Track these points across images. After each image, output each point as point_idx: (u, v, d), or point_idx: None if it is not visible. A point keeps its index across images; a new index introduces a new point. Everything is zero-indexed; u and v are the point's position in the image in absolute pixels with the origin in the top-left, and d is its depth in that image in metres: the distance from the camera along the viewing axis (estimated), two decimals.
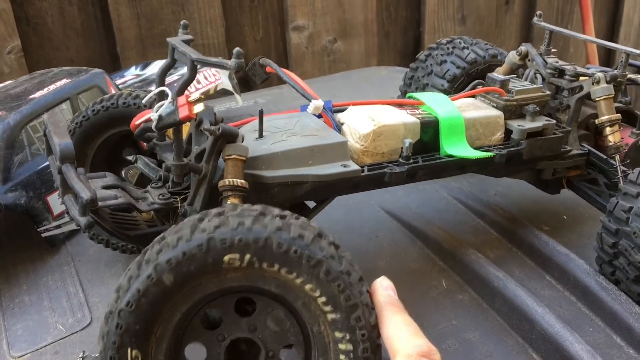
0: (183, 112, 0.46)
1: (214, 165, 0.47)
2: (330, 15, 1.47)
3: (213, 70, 0.88)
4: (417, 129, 0.54)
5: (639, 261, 0.51)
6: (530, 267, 0.61)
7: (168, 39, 0.50)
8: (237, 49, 0.44)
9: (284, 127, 0.52)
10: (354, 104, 0.57)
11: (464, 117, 0.55)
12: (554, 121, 0.59)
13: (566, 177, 0.63)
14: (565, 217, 0.68)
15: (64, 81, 0.72)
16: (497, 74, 0.66)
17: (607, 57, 1.96)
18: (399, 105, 0.57)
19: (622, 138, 0.59)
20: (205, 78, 0.87)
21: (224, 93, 0.96)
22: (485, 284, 0.57)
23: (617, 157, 0.58)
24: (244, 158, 0.46)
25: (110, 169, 0.60)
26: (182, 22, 0.54)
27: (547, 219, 0.68)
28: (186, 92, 0.47)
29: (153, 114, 0.47)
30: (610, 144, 0.59)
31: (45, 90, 0.70)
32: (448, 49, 0.73)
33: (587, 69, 0.64)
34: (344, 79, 1.24)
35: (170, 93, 0.48)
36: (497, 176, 0.60)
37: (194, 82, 0.85)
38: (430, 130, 0.55)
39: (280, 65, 1.59)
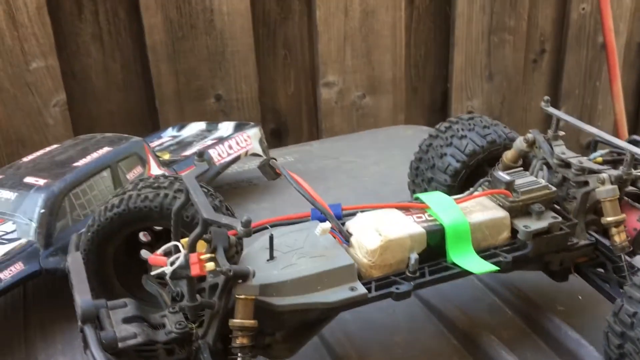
0: (194, 270, 0.48)
1: (226, 302, 0.49)
2: (360, 72, 1.52)
3: (245, 135, 0.93)
4: (423, 239, 0.57)
5: None
6: (543, 351, 0.63)
7: (183, 178, 0.52)
8: (246, 217, 0.47)
9: (294, 246, 0.55)
10: (362, 208, 0.59)
11: (469, 222, 0.58)
12: (560, 218, 0.61)
13: (575, 263, 0.64)
14: (580, 297, 0.70)
15: (105, 149, 0.77)
16: (506, 160, 0.69)
17: (636, 117, 1.97)
18: (406, 210, 0.60)
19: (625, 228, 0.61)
20: (238, 144, 0.91)
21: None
22: None
23: (623, 256, 0.60)
24: (252, 297, 0.48)
25: (131, 254, 0.63)
26: (197, 151, 0.57)
27: (563, 298, 0.70)
28: (197, 250, 0.49)
29: (167, 268, 0.50)
30: (616, 244, 0.61)
31: (88, 159, 0.75)
32: (447, 139, 0.76)
33: (599, 157, 0.66)
34: (371, 137, 1.27)
35: (182, 251, 0.50)
36: (508, 272, 0.62)
37: (227, 147, 0.90)
38: (437, 236, 0.58)
39: (310, 119, 1.64)
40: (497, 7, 1.60)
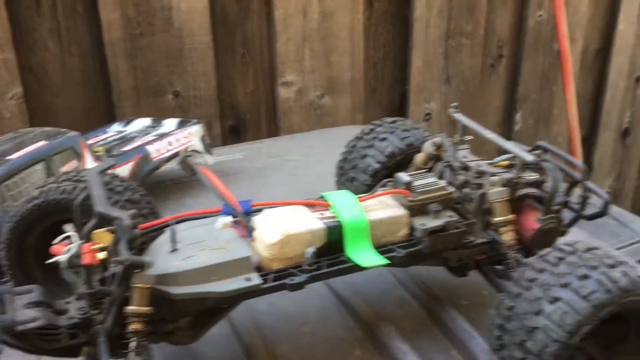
0: (85, 259, 0.52)
1: (124, 290, 0.53)
2: (319, 72, 1.56)
3: (186, 132, 0.96)
4: (323, 235, 0.61)
5: (517, 358, 0.56)
6: (440, 341, 0.67)
7: (86, 173, 0.55)
8: (134, 210, 0.51)
9: (197, 239, 0.58)
10: (271, 204, 0.63)
11: (368, 219, 0.62)
12: (456, 217, 0.65)
13: (474, 260, 0.68)
14: (485, 293, 0.74)
15: (41, 143, 0.80)
16: (417, 162, 0.73)
17: (593, 118, 2.02)
18: (312, 207, 0.63)
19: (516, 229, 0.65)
20: (178, 140, 0.95)
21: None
22: (391, 355, 0.63)
23: (510, 254, 0.64)
24: (148, 286, 0.52)
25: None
26: (106, 148, 0.60)
27: (468, 293, 0.74)
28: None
29: (62, 257, 0.53)
30: (504, 242, 0.65)
31: (22, 152, 0.78)
32: (369, 140, 0.80)
33: (505, 160, 0.70)
34: (322, 136, 1.31)
35: (77, 241, 0.53)
36: (404, 267, 0.66)
37: (166, 143, 0.93)
38: (337, 232, 0.61)
39: (269, 117, 1.67)
40: (454, 12, 1.64)
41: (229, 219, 0.58)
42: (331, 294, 0.74)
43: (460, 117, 0.74)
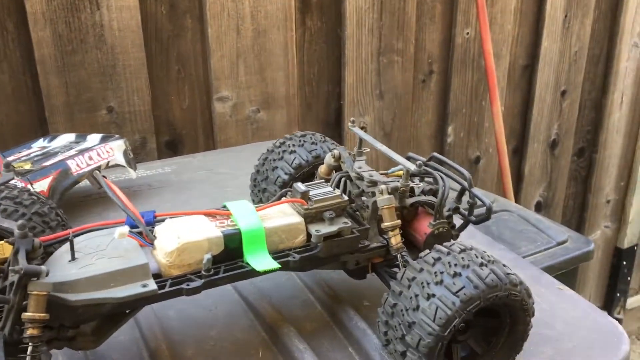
0: None
1: (20, 298, 0.55)
2: (254, 88, 1.60)
3: (107, 147, 0.99)
4: (220, 242, 0.64)
5: (400, 352, 0.61)
6: (339, 340, 0.71)
7: None
8: (21, 222, 0.53)
9: (96, 248, 0.61)
10: (174, 214, 0.67)
11: (265, 227, 0.66)
12: (350, 223, 0.70)
13: (372, 263, 0.73)
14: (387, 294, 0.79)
15: None
16: (320, 173, 0.78)
17: (523, 130, 2.12)
18: (213, 216, 0.67)
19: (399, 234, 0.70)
20: (99, 155, 0.97)
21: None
22: (290, 355, 0.67)
23: (399, 256, 0.69)
24: (44, 293, 0.55)
25: None
26: (4, 162, 0.63)
27: (371, 295, 0.79)
28: None
29: None
30: (392, 245, 0.70)
31: None
32: (279, 153, 0.85)
33: (395, 171, 0.75)
34: (254, 150, 1.34)
35: None
36: (304, 270, 0.71)
37: (87, 158, 0.96)
38: (235, 239, 0.65)
39: (205, 132, 1.69)
40: (385, 30, 1.72)
41: (125, 229, 0.61)
42: (240, 299, 0.77)
43: (357, 130, 0.79)
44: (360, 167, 0.75)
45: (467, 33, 1.85)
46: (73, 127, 1.41)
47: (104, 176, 0.68)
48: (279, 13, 1.56)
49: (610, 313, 2.52)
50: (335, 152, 0.77)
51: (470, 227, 0.79)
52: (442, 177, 0.75)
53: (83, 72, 1.39)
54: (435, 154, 0.80)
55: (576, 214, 2.43)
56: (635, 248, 2.49)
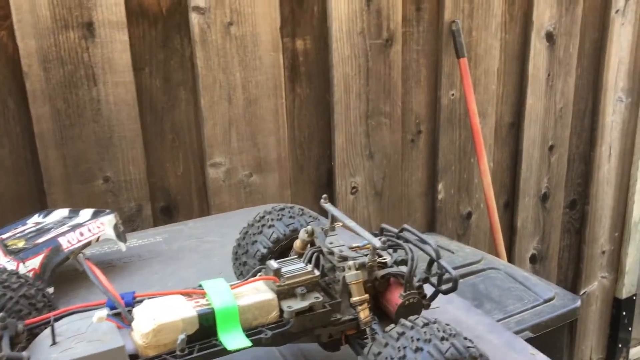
0: None
1: None
2: (246, 153, 1.66)
3: (98, 222, 1.03)
4: (195, 321, 0.68)
5: None
6: None
7: None
8: (1, 314, 0.58)
9: (77, 331, 0.65)
10: (152, 295, 0.70)
11: (238, 305, 0.69)
12: (321, 298, 0.73)
13: (345, 335, 0.76)
14: None
15: None
16: (296, 248, 0.82)
17: (513, 184, 2.16)
18: (189, 296, 0.71)
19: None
20: (89, 230, 1.01)
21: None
22: None
23: (368, 330, 0.72)
24: None
25: None
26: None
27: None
28: None
29: None
30: (361, 319, 0.73)
31: None
32: (258, 227, 0.89)
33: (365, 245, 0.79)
34: (243, 215, 1.38)
35: None
36: (278, 345, 0.73)
37: (78, 234, 1.00)
38: (209, 318, 0.68)
39: (200, 197, 1.73)
40: (372, 95, 1.79)
41: (103, 312, 0.65)
42: None
43: (328, 207, 0.83)
44: (331, 243, 0.79)
45: (452, 94, 1.91)
46: (71, 197, 1.46)
47: (87, 258, 0.72)
48: (269, 82, 1.64)
49: None
50: (309, 228, 0.81)
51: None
52: (411, 249, 0.78)
53: (80, 144, 1.45)
54: (406, 225, 0.84)
55: (572, 265, 2.44)
56: (634, 298, 2.48)
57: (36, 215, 1.10)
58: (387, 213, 1.90)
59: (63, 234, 0.99)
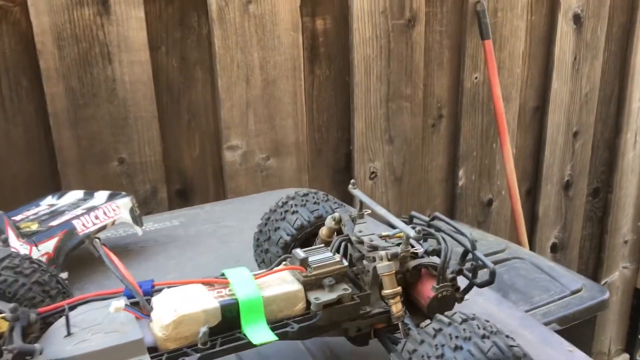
0: None
1: None
2: (263, 136, 1.62)
3: (113, 205, 0.99)
4: (217, 313, 0.64)
5: None
6: None
7: None
8: (13, 305, 0.54)
9: (92, 322, 0.61)
10: (171, 284, 0.66)
11: (263, 296, 0.65)
12: (350, 290, 0.69)
13: (374, 329, 0.72)
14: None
15: None
16: (322, 235, 0.77)
17: (535, 171, 2.10)
18: (211, 285, 0.67)
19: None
20: (105, 213, 0.98)
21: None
22: None
23: (400, 324, 0.68)
24: None
25: None
26: (2, 237, 0.63)
27: (374, 359, 0.77)
28: None
29: None
30: (393, 314, 0.69)
31: None
32: (281, 213, 0.84)
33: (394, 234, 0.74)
34: (261, 200, 1.34)
35: None
36: (303, 339, 0.69)
37: (93, 217, 0.96)
38: (233, 309, 0.64)
39: (216, 180, 1.70)
40: (393, 77, 1.73)
41: (121, 302, 0.61)
42: None
43: (357, 192, 0.79)
44: (360, 231, 0.74)
45: (476, 77, 1.85)
46: (85, 179, 1.43)
47: (104, 244, 0.68)
48: (288, 63, 1.58)
49: (632, 356, 2.45)
50: (336, 215, 0.77)
51: None
52: (444, 239, 0.74)
53: (95, 124, 1.41)
54: (438, 214, 0.79)
55: (593, 255, 2.38)
56: None
57: (50, 197, 1.06)
58: (406, 199, 1.85)
59: (78, 216, 0.95)
